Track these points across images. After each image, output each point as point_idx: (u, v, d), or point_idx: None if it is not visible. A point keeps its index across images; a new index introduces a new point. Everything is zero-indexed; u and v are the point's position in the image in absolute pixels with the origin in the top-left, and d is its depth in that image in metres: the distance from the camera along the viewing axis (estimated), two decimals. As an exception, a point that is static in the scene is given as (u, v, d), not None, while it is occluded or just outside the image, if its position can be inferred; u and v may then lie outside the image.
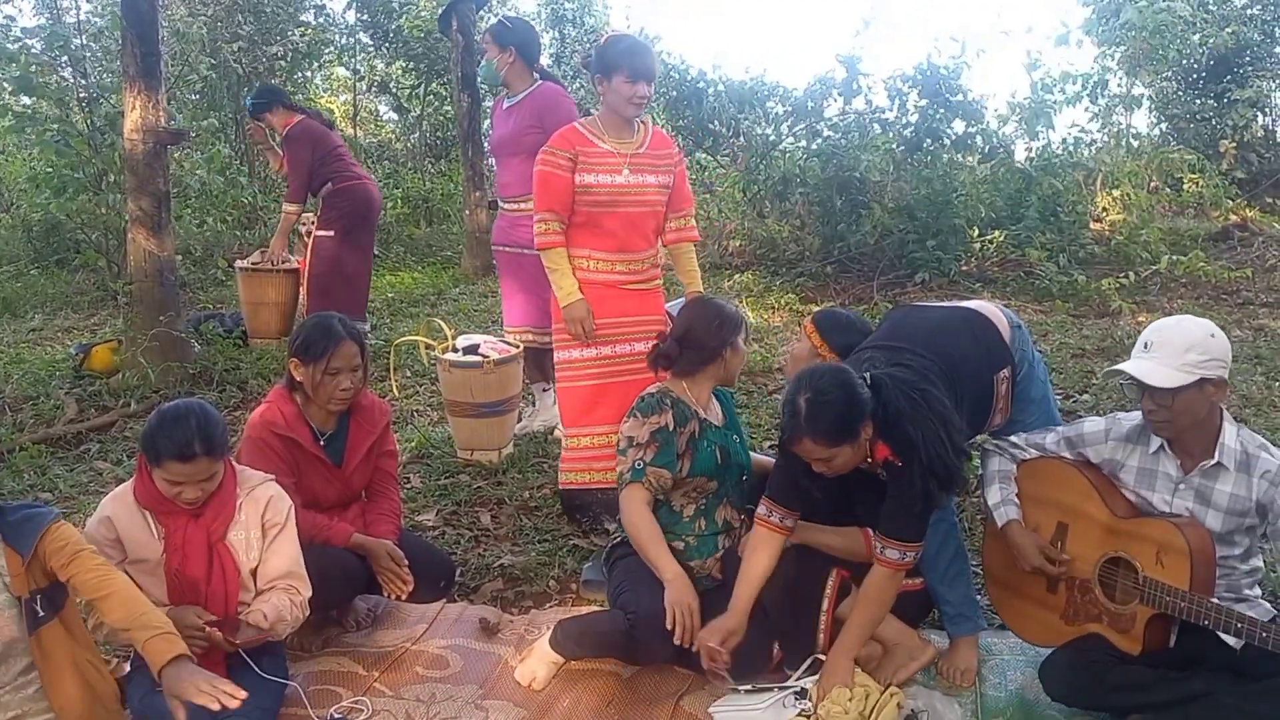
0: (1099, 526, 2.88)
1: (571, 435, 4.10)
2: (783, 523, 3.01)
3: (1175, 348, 2.66)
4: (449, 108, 13.05)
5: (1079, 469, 2.97)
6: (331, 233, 6.74)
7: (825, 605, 2.99)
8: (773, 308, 8.26)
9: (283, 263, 7.01)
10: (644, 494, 3.20)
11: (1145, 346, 2.74)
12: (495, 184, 5.26)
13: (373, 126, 16.16)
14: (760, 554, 3.01)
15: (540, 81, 5.04)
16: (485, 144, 9.65)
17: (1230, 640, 2.68)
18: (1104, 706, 2.75)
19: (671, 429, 3.23)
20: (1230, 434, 2.77)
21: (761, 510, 3.04)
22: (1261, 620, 2.58)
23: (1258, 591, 2.79)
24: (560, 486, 4.21)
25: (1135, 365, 2.72)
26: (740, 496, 3.39)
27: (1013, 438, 3.14)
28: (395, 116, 15.95)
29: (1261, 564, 2.84)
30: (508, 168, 5.05)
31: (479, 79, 5.14)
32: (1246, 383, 5.67)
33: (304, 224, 8.05)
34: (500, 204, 5.18)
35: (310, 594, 3.01)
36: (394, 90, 15.01)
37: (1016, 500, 3.05)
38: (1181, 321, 2.78)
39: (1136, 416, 2.91)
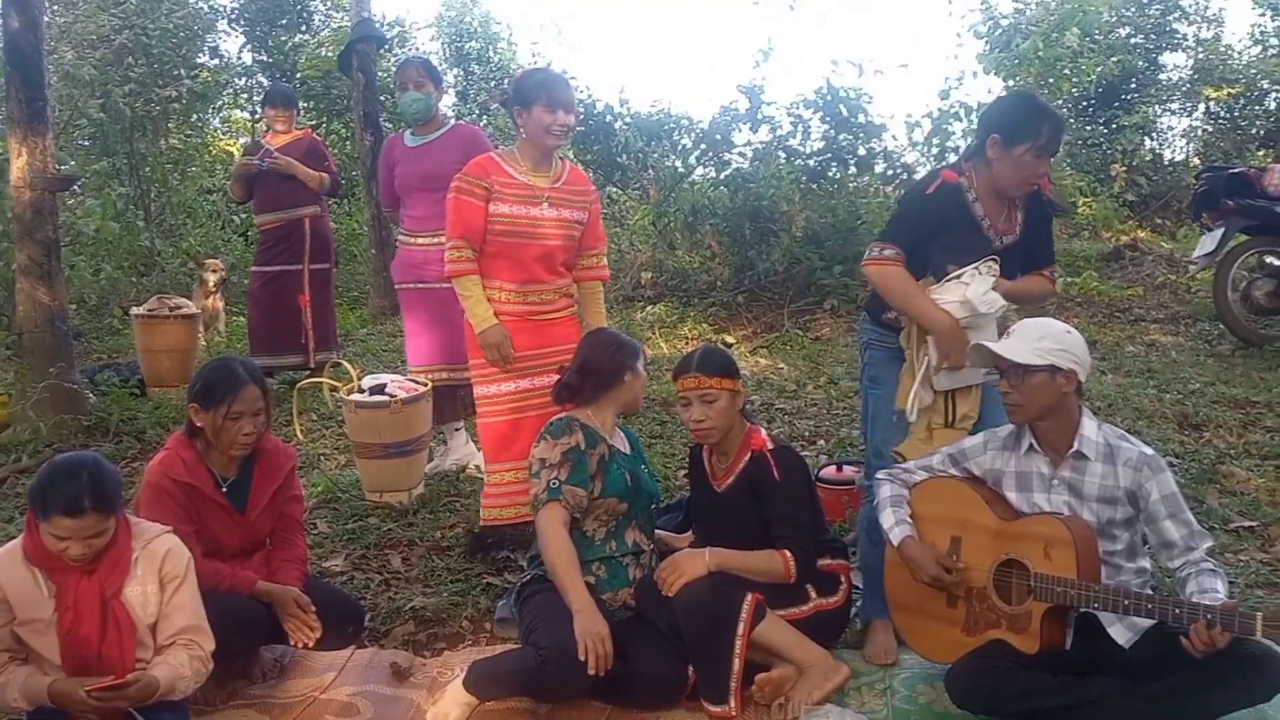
0: (988, 533, 2.97)
1: (493, 470, 4.06)
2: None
3: (1031, 336, 2.91)
4: (350, 146, 12.93)
5: (965, 482, 3.09)
6: (325, 264, 6.86)
7: (740, 629, 3.00)
8: (686, 338, 8.31)
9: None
10: (561, 513, 3.21)
11: (1007, 334, 2.98)
12: (402, 219, 5.20)
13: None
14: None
15: (454, 120, 5.08)
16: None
17: (1119, 638, 2.80)
18: (1006, 712, 2.80)
19: (583, 448, 3.27)
20: (1090, 427, 2.94)
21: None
22: (1145, 593, 2.70)
23: (1150, 593, 2.86)
24: (482, 522, 4.14)
25: (996, 345, 2.93)
26: (649, 522, 3.44)
27: (904, 464, 3.28)
28: (297, 158, 15.75)
29: (1149, 565, 2.94)
30: (423, 203, 5.00)
31: (410, 113, 5.06)
32: (1139, 395, 5.86)
33: (214, 269, 7.93)
34: (408, 238, 5.12)
35: (213, 647, 2.92)
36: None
37: (910, 520, 3.13)
38: (1041, 319, 3.05)
39: (1008, 427, 3.08)
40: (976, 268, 3.23)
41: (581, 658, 2.95)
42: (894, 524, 3.12)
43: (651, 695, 3.13)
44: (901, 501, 3.16)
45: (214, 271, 8.80)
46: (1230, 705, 2.68)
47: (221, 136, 14.67)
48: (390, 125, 12.21)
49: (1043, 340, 2.87)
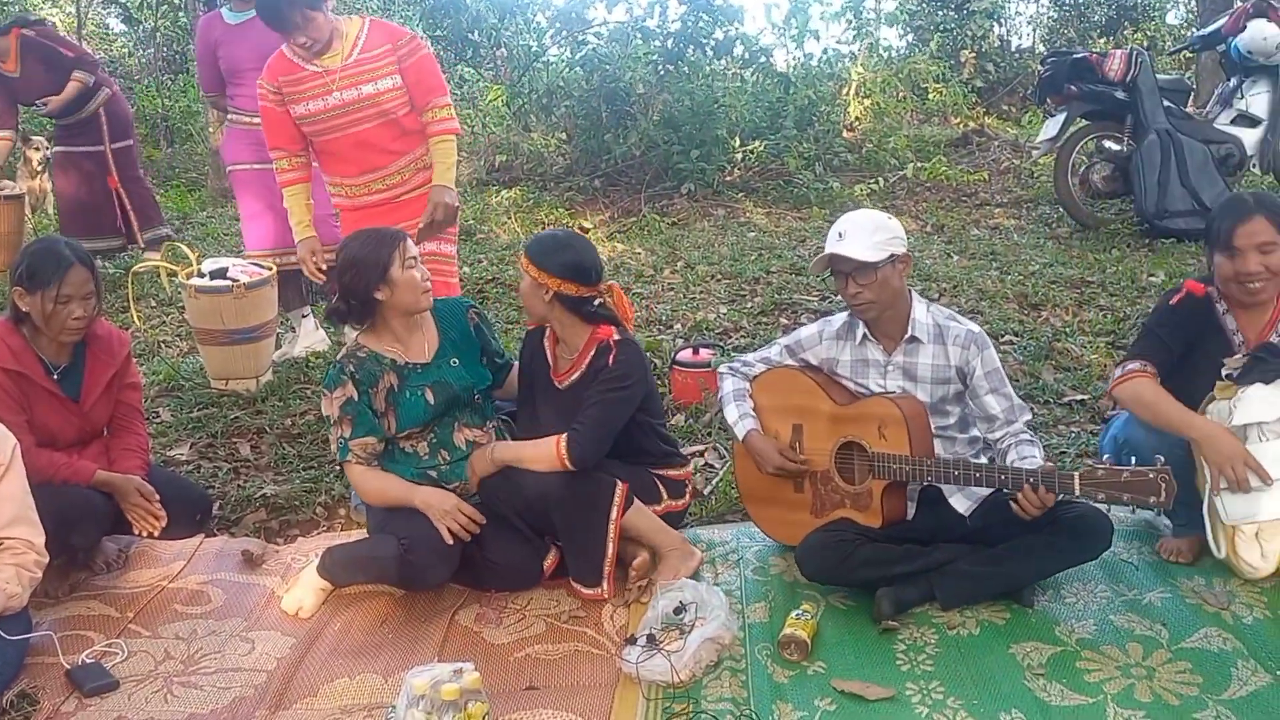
0: (827, 419, 3.06)
1: None
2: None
3: (865, 230, 2.94)
4: (185, 18, 12.18)
5: (802, 371, 3.17)
6: (129, 141, 6.56)
7: (614, 515, 3.02)
8: (542, 223, 8.20)
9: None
10: (360, 466, 3.13)
11: (839, 236, 2.97)
12: (232, 99, 4.94)
13: (101, 41, 14.90)
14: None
15: None
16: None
17: (959, 507, 2.95)
18: (855, 582, 2.92)
19: (357, 398, 3.10)
20: (920, 310, 3.03)
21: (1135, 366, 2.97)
22: (975, 463, 2.84)
23: (984, 460, 3.01)
24: None
25: (840, 248, 2.93)
26: (480, 414, 3.28)
27: (744, 356, 3.35)
28: (126, 29, 14.77)
29: (978, 432, 3.06)
30: (253, 83, 4.72)
31: None
32: (983, 277, 6.06)
33: (37, 146, 7.44)
34: (242, 117, 4.88)
35: (44, 540, 2.81)
36: (123, 1, 13.87)
37: (753, 414, 3.20)
38: (862, 211, 3.13)
39: (843, 316, 3.15)
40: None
41: (448, 540, 2.97)
42: (738, 418, 3.18)
43: (507, 581, 3.15)
44: (744, 395, 3.23)
45: (37, 149, 8.24)
46: (1062, 564, 2.89)
47: (42, 4, 13.61)
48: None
49: (877, 233, 2.92)
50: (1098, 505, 2.77)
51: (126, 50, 14.75)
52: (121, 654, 2.87)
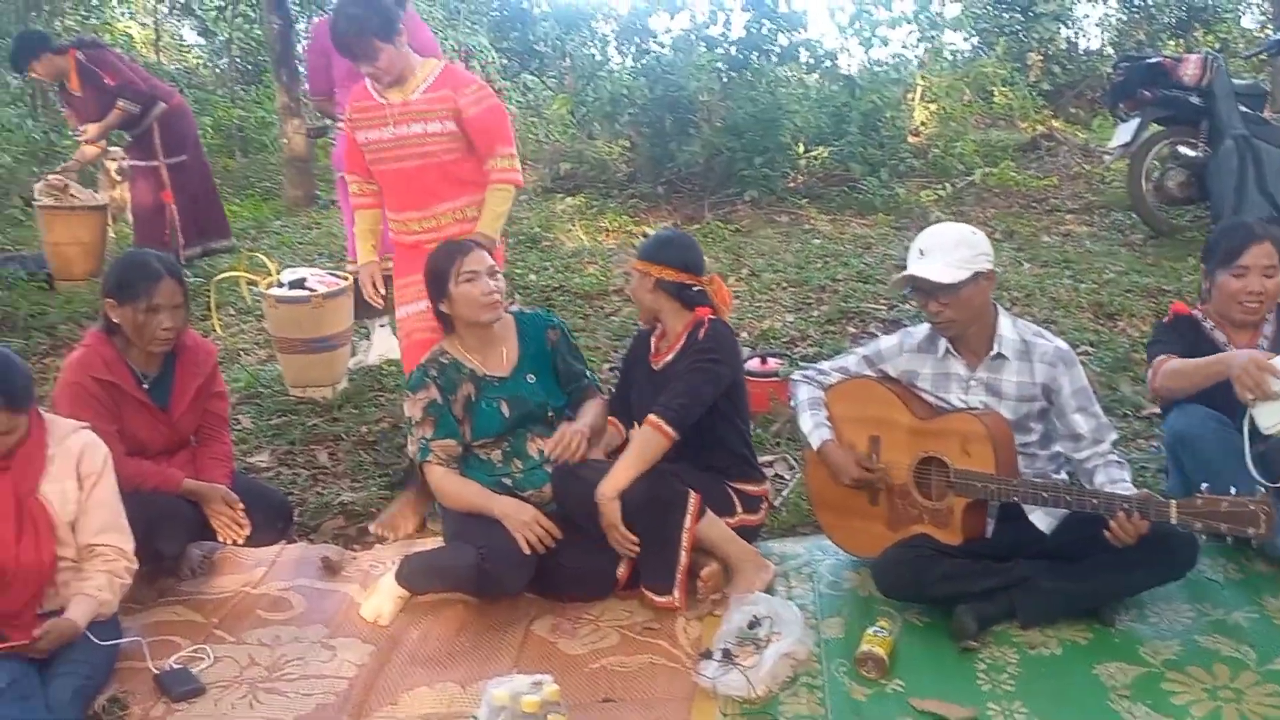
0: (907, 431, 3.03)
1: None
2: None
3: (947, 248, 2.90)
4: (259, 30, 12.41)
5: (880, 383, 3.14)
6: (184, 157, 6.53)
7: (688, 523, 3.02)
8: (606, 229, 8.24)
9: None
10: (440, 468, 3.20)
11: (920, 254, 2.94)
12: (340, 106, 5.05)
13: (177, 52, 15.25)
14: None
15: None
16: (302, 69, 9.22)
17: (1040, 524, 2.89)
18: (932, 598, 2.89)
19: (440, 401, 3.20)
20: (1006, 326, 2.99)
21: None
22: (1063, 485, 2.81)
23: (1064, 476, 2.97)
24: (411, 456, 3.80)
25: (920, 269, 2.90)
26: (554, 427, 3.29)
27: (819, 364, 3.34)
28: (201, 41, 15.08)
29: (1061, 450, 3.02)
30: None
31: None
32: (1056, 286, 5.98)
33: (113, 158, 7.59)
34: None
35: (134, 547, 2.90)
36: (199, 12, 14.17)
37: (829, 423, 3.18)
38: (945, 226, 3.07)
39: (925, 328, 3.11)
40: None
41: (525, 550, 3.00)
42: (813, 427, 3.17)
43: (581, 589, 3.18)
44: (819, 404, 3.21)
45: (114, 160, 8.45)
46: (1146, 583, 2.85)
47: (120, 18, 13.95)
48: (298, 8, 11.76)
49: (959, 250, 2.89)
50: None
51: (201, 61, 15.06)
52: (207, 659, 2.94)
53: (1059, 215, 8.14)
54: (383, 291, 3.88)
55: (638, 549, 3.04)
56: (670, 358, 3.28)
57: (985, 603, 2.82)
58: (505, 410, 3.22)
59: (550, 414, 3.30)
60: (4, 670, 2.56)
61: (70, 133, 6.88)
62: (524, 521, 3.05)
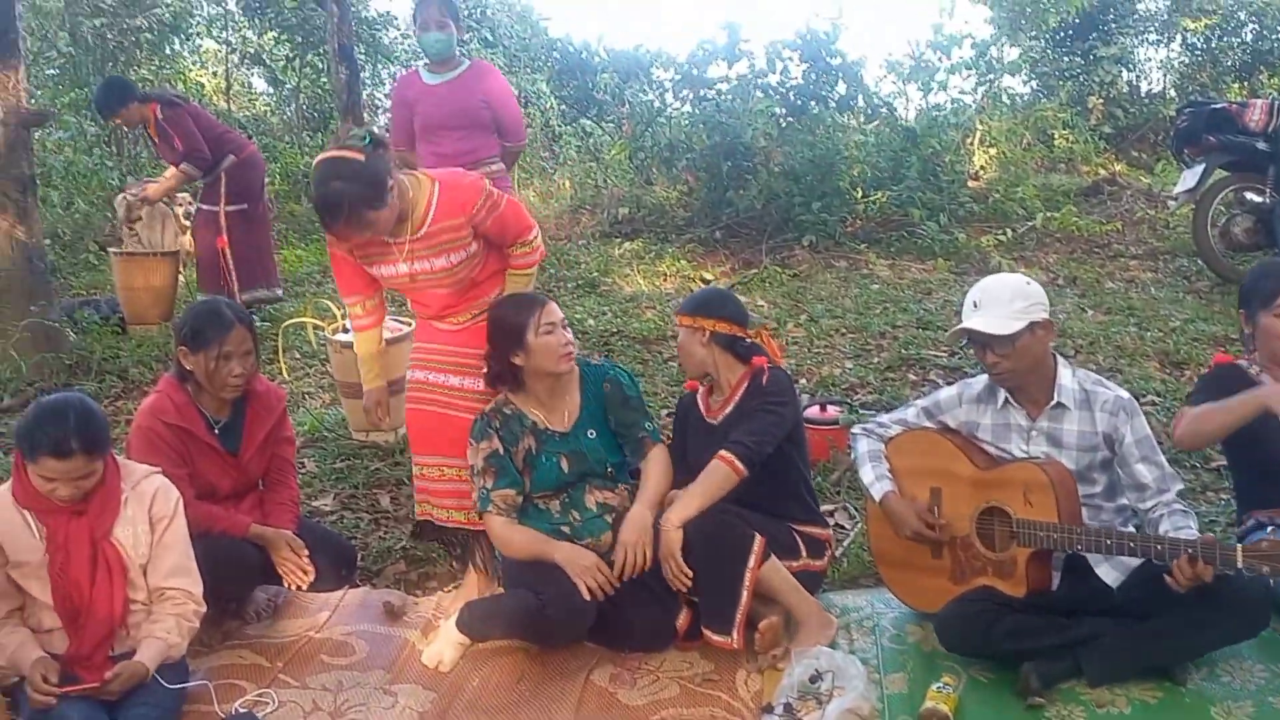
0: (968, 483, 3.01)
1: (416, 463, 3.57)
2: None
3: (1001, 300, 2.90)
4: (326, 79, 12.68)
5: (941, 434, 3.13)
6: (245, 205, 6.64)
7: (752, 563, 3.01)
8: (664, 274, 8.28)
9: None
10: (500, 518, 3.23)
11: (974, 306, 2.95)
12: (422, 159, 5.17)
13: (246, 100, 15.64)
14: None
15: (469, 59, 5.09)
16: (367, 116, 9.42)
17: (1107, 578, 2.85)
18: (997, 654, 2.86)
19: (503, 451, 3.23)
20: (1066, 375, 2.97)
21: None
22: (1127, 532, 2.77)
23: (1131, 529, 2.93)
24: (418, 516, 3.60)
25: (975, 322, 2.90)
26: (614, 480, 3.31)
27: (879, 417, 3.34)
28: (269, 89, 15.45)
29: (1127, 502, 2.99)
30: (447, 139, 5.02)
31: (433, 53, 5.02)
32: (1121, 334, 5.91)
33: (180, 204, 7.80)
34: None
35: (202, 590, 2.95)
36: (268, 62, 14.54)
37: (890, 475, 3.17)
38: (998, 277, 3.07)
39: (984, 379, 3.10)
40: None
41: (586, 596, 3.01)
42: (874, 479, 3.16)
43: (641, 640, 3.18)
44: (879, 456, 3.21)
45: (181, 206, 8.67)
46: (1217, 643, 2.79)
47: (192, 67, 14.36)
48: (364, 58, 12.02)
49: (1014, 302, 2.89)
50: (1250, 575, 2.66)
51: (269, 109, 15.43)
52: (272, 704, 2.97)
53: (1122, 261, 8.04)
54: (389, 417, 3.78)
55: (690, 583, 3.04)
56: (729, 410, 3.30)
57: (1052, 660, 2.78)
58: (564, 466, 3.25)
59: (609, 469, 3.31)
60: (76, 712, 2.62)
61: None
62: (585, 567, 3.07)
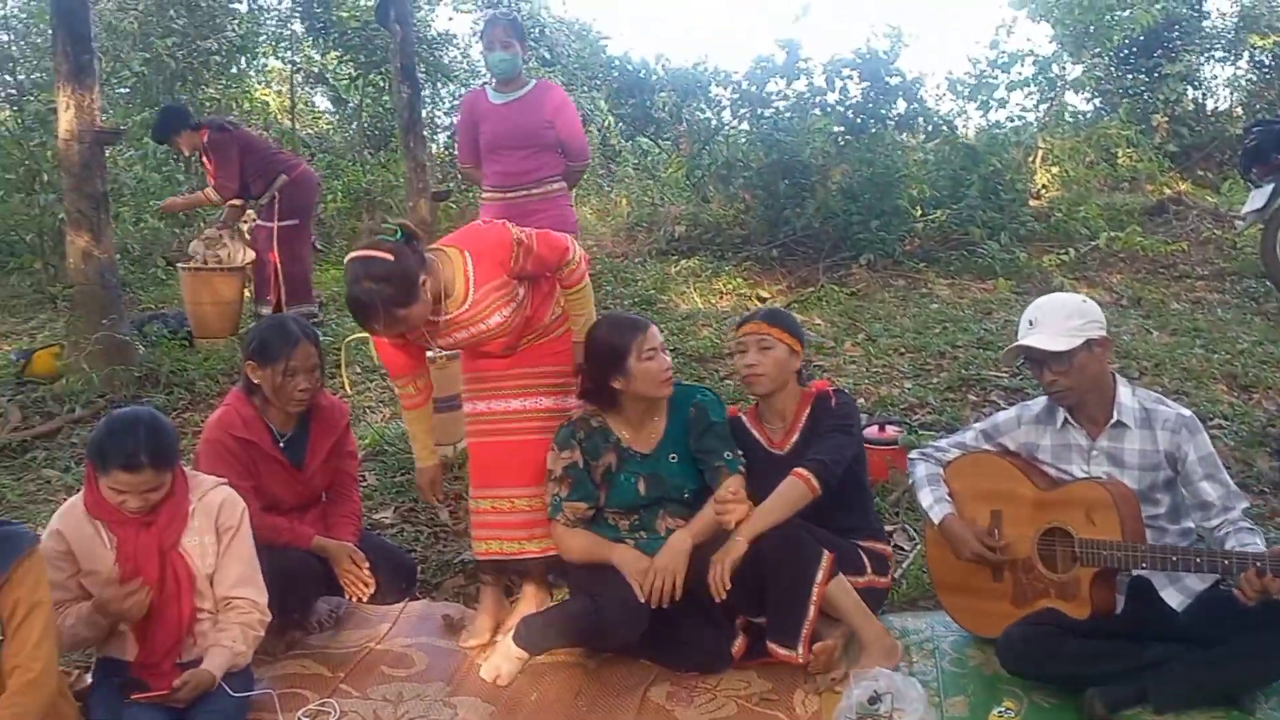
0: (1029, 504, 2.99)
1: (476, 497, 3.52)
2: None
3: (1057, 318, 2.89)
4: (388, 98, 12.88)
5: (1000, 456, 3.11)
6: (296, 221, 6.95)
7: (820, 578, 2.99)
8: (720, 292, 8.29)
9: (231, 248, 6.99)
10: (565, 527, 3.27)
11: (1030, 324, 2.94)
12: (485, 176, 5.25)
13: (310, 118, 15.92)
14: None
15: (534, 79, 5.15)
16: (427, 135, 9.55)
17: (1172, 602, 2.81)
18: (1060, 678, 2.82)
19: (582, 464, 3.25)
20: (1126, 394, 2.94)
21: None
22: (1192, 548, 2.72)
23: (1197, 547, 2.87)
24: (474, 555, 3.58)
25: (1031, 339, 2.89)
26: (687, 507, 3.28)
27: (937, 441, 3.32)
28: (332, 108, 15.72)
29: (1193, 526, 2.94)
30: (510, 158, 5.09)
31: (498, 73, 5.12)
32: (1187, 356, 5.81)
33: (246, 220, 7.98)
34: (493, 194, 5.20)
35: (267, 600, 3.00)
36: (331, 81, 14.80)
37: (949, 498, 3.15)
38: (1054, 296, 3.05)
39: (1042, 400, 3.08)
40: None
41: (642, 597, 3.03)
42: (933, 502, 3.14)
43: (697, 661, 3.18)
44: (938, 480, 3.19)
45: (245, 222, 8.84)
46: (1288, 671, 2.72)
47: (258, 86, 14.65)
48: (425, 77, 12.17)
49: (1070, 319, 2.88)
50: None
51: (332, 127, 15.69)
52: (334, 714, 3.01)
53: (1188, 282, 7.91)
54: (441, 496, 3.80)
55: (725, 596, 3.01)
56: (795, 438, 3.30)
57: (1116, 685, 2.74)
58: (642, 487, 3.27)
59: (686, 495, 3.29)
60: (146, 718, 2.67)
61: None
62: (640, 570, 3.09)
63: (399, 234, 3.08)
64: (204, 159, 6.93)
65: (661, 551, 3.14)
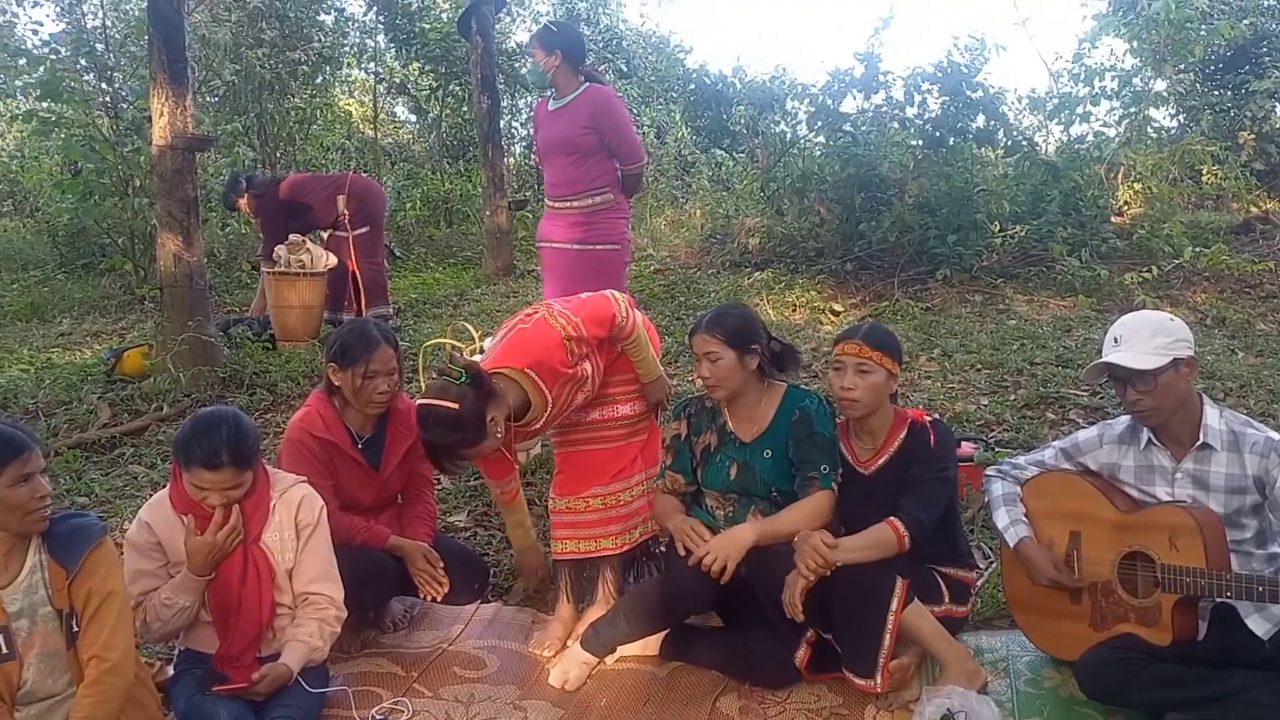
0: (1110, 526, 2.93)
1: (556, 500, 3.61)
2: None
3: (1143, 336, 2.83)
4: (467, 109, 13.07)
5: (1080, 476, 3.05)
6: (368, 228, 7.50)
7: (895, 606, 2.94)
8: (793, 305, 8.26)
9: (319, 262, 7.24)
10: (665, 495, 3.36)
11: (1115, 341, 2.88)
12: (545, 184, 5.35)
13: (391, 128, 16.21)
14: None
15: (587, 84, 5.10)
16: (505, 145, 9.68)
17: (1258, 629, 2.73)
18: (1140, 704, 2.76)
19: (684, 437, 3.34)
20: (1213, 416, 2.87)
21: None
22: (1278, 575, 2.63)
23: (1285, 577, 2.80)
24: (553, 556, 3.65)
25: (1116, 356, 2.83)
26: (778, 507, 3.23)
27: (1014, 459, 3.26)
28: (413, 118, 15.99)
29: (1279, 550, 2.86)
30: (553, 166, 5.17)
31: (529, 81, 5.26)
32: (1274, 377, 5.65)
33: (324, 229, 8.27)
34: (549, 202, 5.28)
35: (343, 596, 3.07)
36: (412, 91, 15.05)
37: (1025, 519, 3.10)
38: (1141, 313, 2.97)
39: (1125, 419, 3.02)
40: None
41: (680, 551, 3.09)
42: (1009, 523, 3.09)
43: (765, 674, 3.17)
44: (1014, 499, 3.13)
45: (325, 230, 9.05)
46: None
47: (341, 96, 14.95)
48: (504, 88, 12.34)
49: (1156, 337, 2.82)
50: None
51: (412, 136, 15.96)
52: (407, 712, 3.06)
53: (1275, 302, 7.71)
54: (545, 574, 3.82)
55: (803, 617, 2.98)
56: (883, 460, 3.19)
57: (1197, 712, 2.67)
58: (732, 472, 3.26)
59: (774, 494, 3.24)
60: (226, 710, 2.75)
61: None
62: (685, 530, 3.14)
63: (463, 377, 3.11)
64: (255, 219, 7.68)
65: (722, 534, 3.11)
